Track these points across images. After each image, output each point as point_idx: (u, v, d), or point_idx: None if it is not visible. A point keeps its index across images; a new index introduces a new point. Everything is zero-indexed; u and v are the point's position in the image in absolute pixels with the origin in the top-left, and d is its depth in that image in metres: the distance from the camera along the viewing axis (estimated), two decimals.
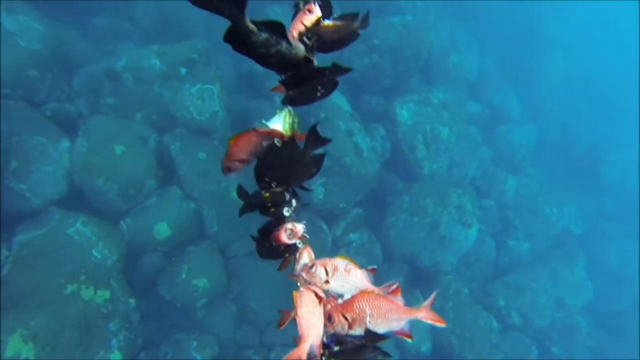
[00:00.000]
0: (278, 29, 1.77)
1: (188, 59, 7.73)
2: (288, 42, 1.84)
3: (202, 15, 9.74)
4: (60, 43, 7.93)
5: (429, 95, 9.41)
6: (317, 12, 2.12)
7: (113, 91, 7.48)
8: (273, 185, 2.17)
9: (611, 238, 12.90)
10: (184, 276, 7.03)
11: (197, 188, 7.70)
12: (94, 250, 5.76)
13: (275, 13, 9.58)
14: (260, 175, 2.14)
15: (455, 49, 11.90)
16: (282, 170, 2.14)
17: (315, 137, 2.11)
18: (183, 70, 7.68)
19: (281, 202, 2.21)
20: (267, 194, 2.20)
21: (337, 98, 8.50)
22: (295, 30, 2.08)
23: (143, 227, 6.80)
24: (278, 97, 9.07)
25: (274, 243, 2.22)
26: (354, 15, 2.21)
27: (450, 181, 9.70)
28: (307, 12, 2.13)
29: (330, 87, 2.16)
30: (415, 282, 8.86)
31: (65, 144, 6.53)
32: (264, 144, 2.16)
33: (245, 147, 2.16)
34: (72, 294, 5.25)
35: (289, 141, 2.11)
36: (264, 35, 1.74)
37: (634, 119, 15.78)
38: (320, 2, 2.19)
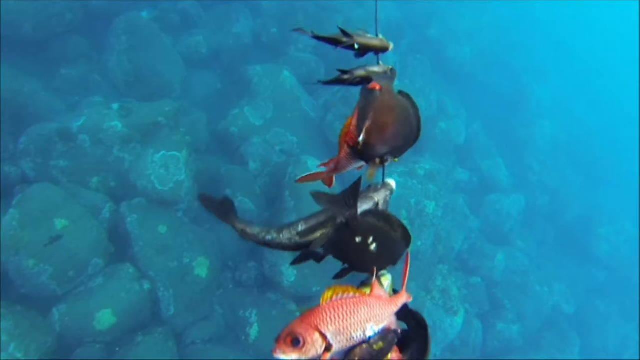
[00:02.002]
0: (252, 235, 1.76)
1: (154, 122, 7.08)
2: (277, 231, 1.77)
3: (178, 69, 9.23)
4: (16, 95, 7.28)
5: (415, 167, 8.88)
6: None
7: (66, 153, 6.75)
8: None
9: (606, 318, 12.19)
10: None
11: (155, 265, 6.83)
12: (2, 355, 4.81)
13: (257, 73, 9.11)
14: None
15: (444, 113, 11.58)
16: None
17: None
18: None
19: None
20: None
21: (314, 164, 7.88)
22: None
23: (81, 314, 5.85)
24: (252, 163, 8.42)
25: None
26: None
27: (435, 258, 9.00)
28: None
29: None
30: None
31: None
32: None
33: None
34: None
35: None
36: (254, 230, 1.77)
37: (622, 187, 15.56)
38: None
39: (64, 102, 8.18)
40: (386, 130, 1.84)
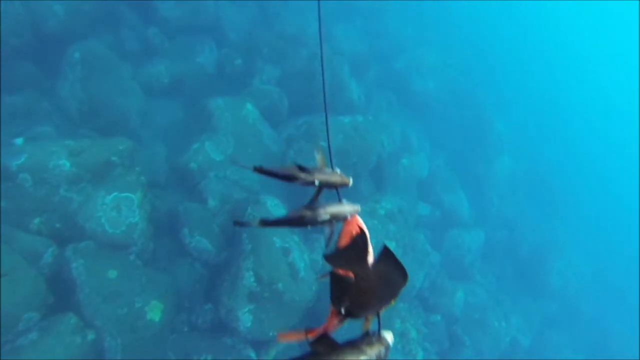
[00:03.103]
0: None
1: (106, 161, 6.74)
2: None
3: (137, 99, 8.89)
4: None
5: (376, 206, 8.88)
6: None
7: (3, 193, 6.28)
8: None
9: (558, 348, 12.54)
10: None
11: (102, 313, 6.42)
12: None
13: (219, 106, 8.92)
14: None
15: (407, 148, 11.72)
16: None
17: None
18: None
19: None
20: None
21: (275, 208, 7.73)
22: None
23: None
24: (211, 201, 8.17)
25: None
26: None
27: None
28: None
29: None
30: None
31: None
32: None
33: None
34: None
35: None
36: None
37: (573, 220, 16.23)
38: None
39: (6, 132, 7.68)
40: (368, 306, 1.75)
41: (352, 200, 7.60)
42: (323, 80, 2.59)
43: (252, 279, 7.05)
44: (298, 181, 1.89)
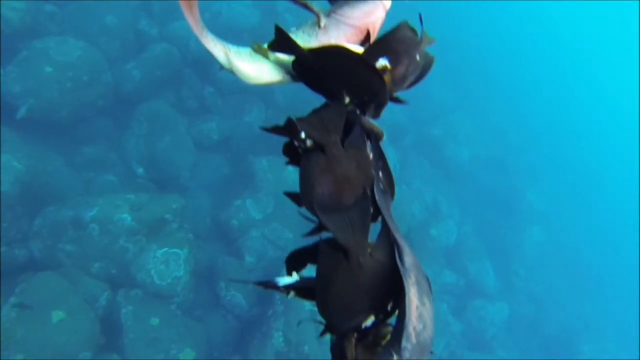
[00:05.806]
0: None
1: (161, 218, 7.54)
2: None
3: (190, 155, 9.80)
4: (39, 174, 7.78)
5: None
6: None
7: (75, 239, 7.14)
8: None
9: None
10: None
11: (142, 358, 7.06)
12: None
13: (262, 167, 9.70)
14: None
15: (437, 214, 12.07)
16: None
17: None
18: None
19: None
20: None
21: (308, 271, 8.23)
22: None
23: None
24: (248, 257, 8.81)
25: None
26: None
27: None
28: None
29: None
30: None
31: None
32: None
33: None
34: None
35: None
36: None
37: (607, 300, 15.76)
38: None
39: (81, 178, 8.72)
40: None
41: None
42: None
43: (281, 339, 7.52)
44: None
